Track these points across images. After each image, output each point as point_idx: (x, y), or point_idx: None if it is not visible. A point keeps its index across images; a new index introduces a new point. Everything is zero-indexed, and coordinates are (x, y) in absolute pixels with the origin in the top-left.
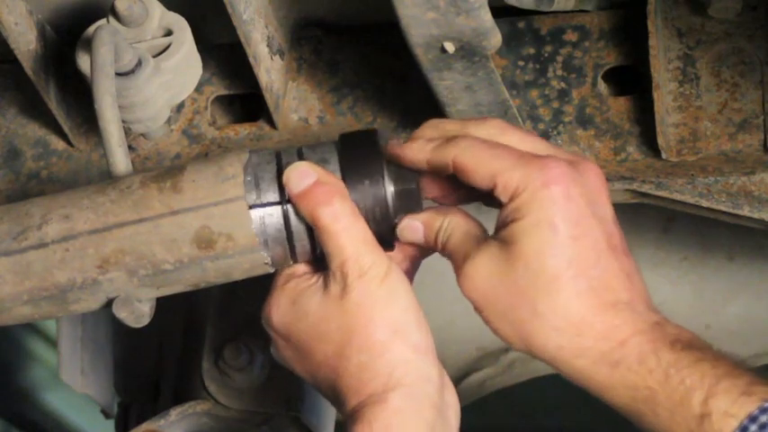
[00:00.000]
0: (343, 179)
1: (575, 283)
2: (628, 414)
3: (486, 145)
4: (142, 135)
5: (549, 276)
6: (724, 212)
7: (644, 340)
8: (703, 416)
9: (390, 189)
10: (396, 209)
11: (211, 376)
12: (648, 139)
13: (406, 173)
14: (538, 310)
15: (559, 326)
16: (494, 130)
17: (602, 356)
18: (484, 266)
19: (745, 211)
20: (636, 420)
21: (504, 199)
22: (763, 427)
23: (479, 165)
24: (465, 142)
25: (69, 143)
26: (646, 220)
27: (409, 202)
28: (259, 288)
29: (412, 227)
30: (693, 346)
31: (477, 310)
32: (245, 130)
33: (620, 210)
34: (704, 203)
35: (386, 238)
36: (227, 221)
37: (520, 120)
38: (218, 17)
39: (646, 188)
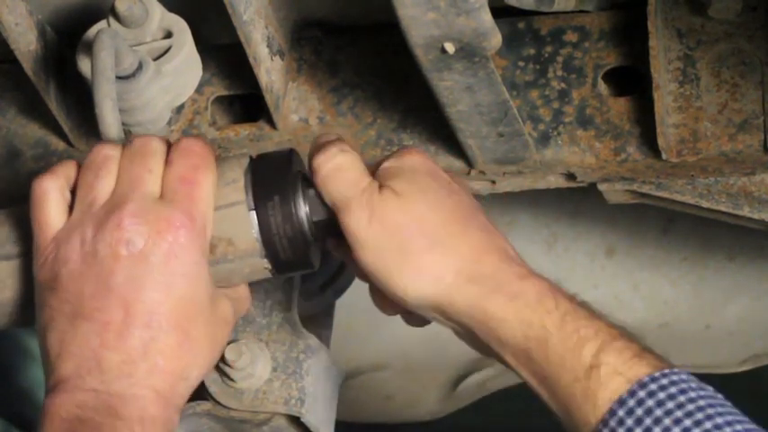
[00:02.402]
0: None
1: (472, 221)
2: (516, 352)
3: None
4: None
5: (438, 204)
6: (724, 213)
7: (543, 283)
8: (592, 367)
9: (305, 208)
10: (311, 223)
11: (212, 377)
12: (649, 140)
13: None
14: (437, 240)
15: (460, 250)
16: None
17: (499, 286)
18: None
19: (746, 212)
20: (523, 358)
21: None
22: (651, 394)
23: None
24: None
25: (69, 144)
26: (646, 220)
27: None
28: (259, 288)
29: None
30: (589, 306)
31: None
32: (245, 130)
33: (621, 210)
34: (704, 204)
35: (302, 257)
36: (227, 226)
37: (520, 120)
38: (218, 18)
39: (646, 189)
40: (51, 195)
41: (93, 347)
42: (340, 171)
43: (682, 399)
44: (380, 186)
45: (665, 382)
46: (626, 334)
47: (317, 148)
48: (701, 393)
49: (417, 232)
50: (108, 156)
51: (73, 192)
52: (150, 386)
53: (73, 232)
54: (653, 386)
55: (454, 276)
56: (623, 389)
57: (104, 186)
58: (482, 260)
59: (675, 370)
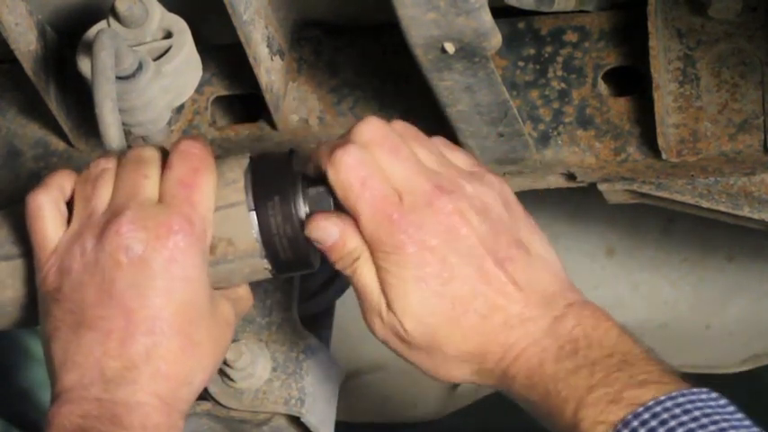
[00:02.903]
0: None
1: (465, 319)
2: (529, 410)
3: None
4: (142, 138)
5: (443, 319)
6: (724, 213)
7: (534, 353)
8: (574, 426)
9: (304, 207)
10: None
11: (212, 377)
12: (649, 140)
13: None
14: (447, 355)
15: (465, 359)
16: None
17: (502, 376)
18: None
19: (745, 212)
20: (536, 416)
21: None
22: (634, 430)
23: None
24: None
25: (69, 144)
26: (646, 220)
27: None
28: (259, 288)
29: (324, 228)
30: (579, 348)
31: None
32: (245, 130)
33: (621, 210)
34: (704, 204)
35: (302, 257)
36: (227, 226)
37: (520, 120)
38: (218, 18)
39: (646, 189)
40: (46, 209)
41: (97, 356)
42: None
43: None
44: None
45: (646, 416)
46: (607, 373)
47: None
48: (684, 419)
49: (428, 344)
50: (104, 168)
51: (68, 203)
52: (154, 392)
53: (73, 243)
54: (635, 423)
55: (471, 376)
56: None
57: (102, 196)
58: (486, 359)
59: (660, 398)
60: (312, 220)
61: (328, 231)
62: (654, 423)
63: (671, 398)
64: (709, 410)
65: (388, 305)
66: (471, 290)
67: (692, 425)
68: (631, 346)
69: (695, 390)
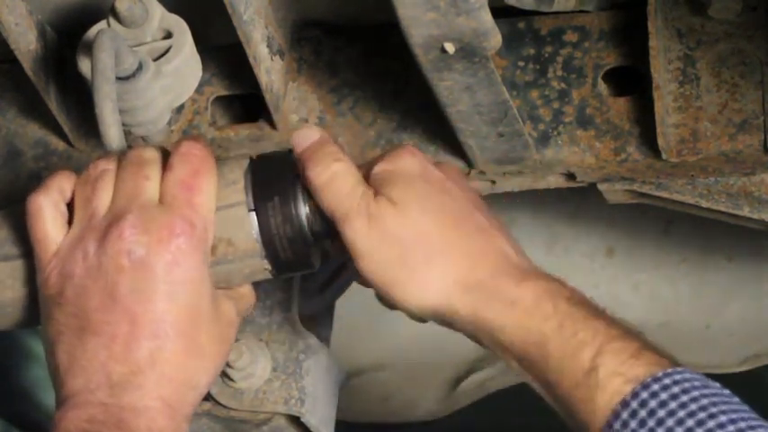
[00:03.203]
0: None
1: (472, 219)
2: (517, 357)
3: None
4: (142, 138)
5: (436, 216)
6: (724, 213)
7: (541, 286)
8: (591, 370)
9: (304, 208)
10: (311, 224)
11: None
12: (649, 140)
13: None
14: (434, 250)
15: (457, 259)
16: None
17: (496, 292)
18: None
19: (745, 212)
20: (525, 363)
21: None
22: (654, 395)
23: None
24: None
25: (69, 144)
26: (646, 221)
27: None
28: (259, 288)
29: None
30: (589, 304)
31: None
32: (245, 130)
33: (621, 210)
34: (704, 204)
35: (302, 257)
36: (227, 227)
37: (520, 120)
38: (218, 18)
39: (646, 189)
40: (46, 211)
41: (102, 361)
42: (335, 181)
43: (684, 398)
44: (376, 194)
45: (667, 381)
46: (626, 332)
47: (310, 156)
48: (705, 392)
49: (415, 243)
50: (104, 169)
51: (68, 204)
52: (159, 396)
53: (75, 247)
54: (655, 386)
55: (453, 287)
56: (625, 390)
57: (102, 199)
58: (478, 267)
59: (678, 369)
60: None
61: (310, 132)
62: (676, 389)
63: (683, 371)
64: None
65: (377, 193)
66: (470, 207)
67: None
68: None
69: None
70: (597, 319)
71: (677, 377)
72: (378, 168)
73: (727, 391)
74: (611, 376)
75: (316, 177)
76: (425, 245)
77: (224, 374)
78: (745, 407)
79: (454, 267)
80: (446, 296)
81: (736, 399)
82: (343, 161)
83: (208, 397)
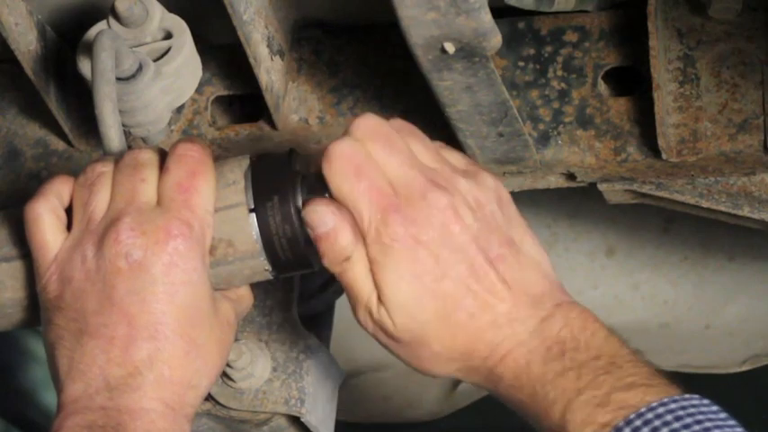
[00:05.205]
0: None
1: (455, 316)
2: (515, 408)
3: None
4: (142, 138)
5: (433, 316)
6: (724, 213)
7: (521, 354)
8: (562, 426)
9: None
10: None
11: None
12: (649, 140)
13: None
14: (434, 351)
15: (452, 356)
16: None
17: (488, 374)
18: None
19: (745, 212)
20: (523, 413)
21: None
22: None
23: None
24: None
25: (69, 144)
26: (646, 220)
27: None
28: (259, 288)
29: (322, 213)
30: (566, 350)
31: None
32: (245, 130)
33: (621, 210)
34: (704, 204)
35: (301, 257)
36: (227, 228)
37: (520, 120)
38: (218, 18)
39: (646, 189)
40: (44, 218)
41: (101, 364)
42: (344, 275)
43: None
44: (375, 276)
45: (638, 423)
46: (595, 375)
47: (324, 251)
48: (675, 426)
49: (417, 347)
50: (101, 172)
51: (67, 209)
52: (159, 398)
53: (74, 251)
54: (626, 430)
55: (455, 373)
56: None
57: (100, 202)
58: (474, 356)
59: (653, 404)
60: (312, 202)
61: (324, 218)
62: (645, 430)
63: (662, 404)
64: (701, 417)
65: (380, 299)
66: (462, 288)
67: None
68: (618, 348)
69: (687, 396)
70: (568, 372)
71: (649, 415)
72: (376, 233)
73: (698, 428)
74: (581, 427)
75: (329, 266)
76: (424, 348)
77: (224, 374)
78: (719, 424)
79: (454, 365)
80: (451, 375)
81: (713, 422)
82: (352, 261)
83: (208, 397)
